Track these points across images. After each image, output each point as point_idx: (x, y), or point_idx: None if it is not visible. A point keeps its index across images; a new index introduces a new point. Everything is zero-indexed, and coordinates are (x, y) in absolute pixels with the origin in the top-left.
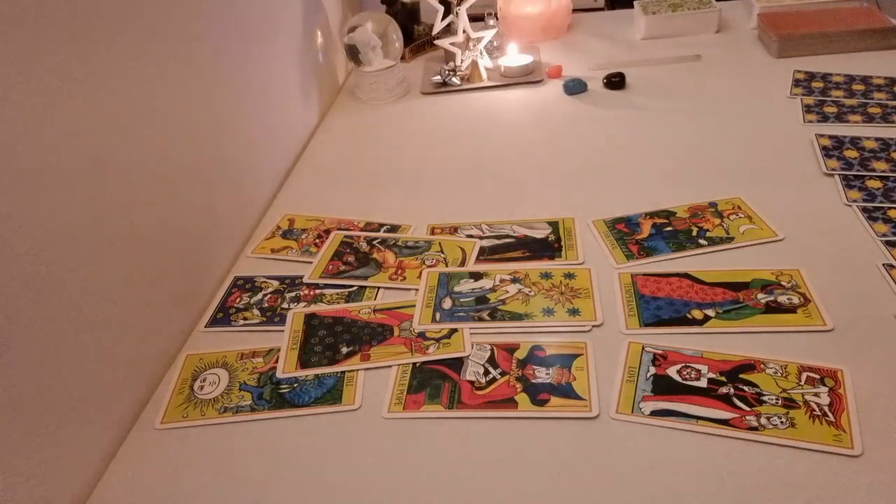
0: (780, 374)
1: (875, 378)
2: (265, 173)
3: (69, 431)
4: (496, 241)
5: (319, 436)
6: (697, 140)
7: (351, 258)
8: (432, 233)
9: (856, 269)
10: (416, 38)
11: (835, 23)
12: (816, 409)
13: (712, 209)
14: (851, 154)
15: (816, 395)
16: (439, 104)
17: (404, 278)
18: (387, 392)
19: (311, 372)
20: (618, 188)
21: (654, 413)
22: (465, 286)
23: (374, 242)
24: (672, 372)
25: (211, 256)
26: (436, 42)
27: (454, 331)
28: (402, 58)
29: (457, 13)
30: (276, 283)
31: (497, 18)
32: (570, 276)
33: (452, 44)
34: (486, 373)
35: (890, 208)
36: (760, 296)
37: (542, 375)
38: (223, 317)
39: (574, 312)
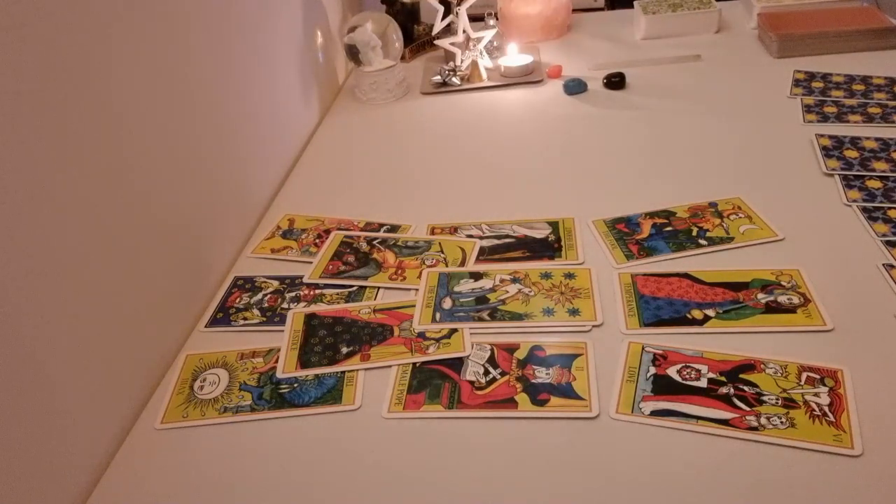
0: (780, 374)
1: (875, 378)
2: (265, 173)
3: (69, 431)
4: (496, 241)
5: (319, 436)
6: (697, 140)
7: (351, 258)
8: (432, 233)
9: (856, 269)
10: (416, 38)
11: (835, 23)
12: (816, 409)
13: (712, 209)
14: (851, 154)
15: (816, 395)
16: (439, 104)
17: (404, 278)
18: (387, 392)
19: (311, 372)
20: (618, 188)
21: (654, 413)
22: (465, 286)
23: (374, 242)
24: (672, 372)
25: (211, 256)
26: (436, 42)
27: (454, 331)
28: (402, 58)
29: (457, 13)
30: (276, 283)
31: (497, 18)
32: (570, 276)
33: (452, 44)
34: (486, 373)
35: (890, 208)
36: (760, 296)
37: (542, 375)
38: (223, 317)
39: (574, 312)
